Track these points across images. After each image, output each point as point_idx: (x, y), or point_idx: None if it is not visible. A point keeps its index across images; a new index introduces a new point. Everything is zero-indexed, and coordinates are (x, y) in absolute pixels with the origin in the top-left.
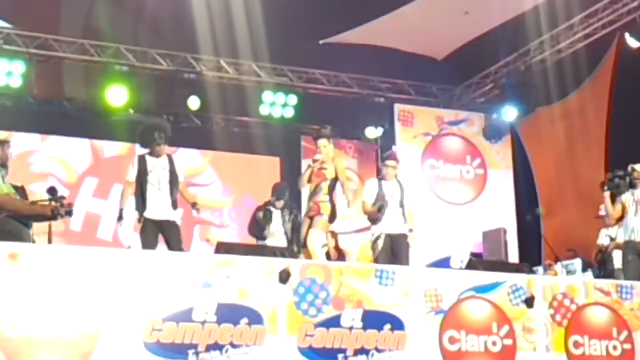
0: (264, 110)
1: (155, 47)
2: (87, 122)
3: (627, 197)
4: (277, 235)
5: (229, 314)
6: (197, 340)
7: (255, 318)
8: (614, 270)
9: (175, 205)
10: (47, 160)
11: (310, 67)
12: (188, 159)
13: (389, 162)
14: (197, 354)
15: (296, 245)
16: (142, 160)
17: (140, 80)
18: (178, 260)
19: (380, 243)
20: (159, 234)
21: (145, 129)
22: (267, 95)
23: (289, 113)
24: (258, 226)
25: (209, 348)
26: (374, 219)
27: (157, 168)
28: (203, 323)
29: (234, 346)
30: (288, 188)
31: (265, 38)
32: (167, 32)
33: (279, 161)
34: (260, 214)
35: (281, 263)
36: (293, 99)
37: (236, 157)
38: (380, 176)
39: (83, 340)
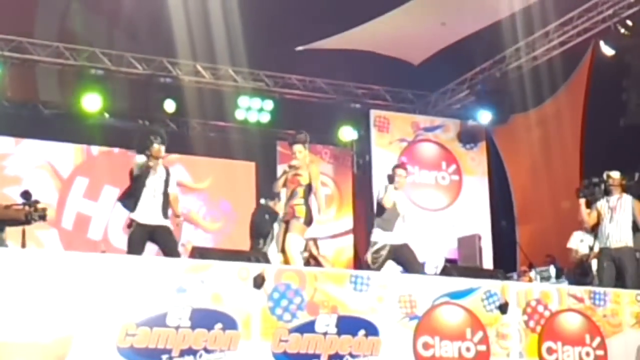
0: (239, 114)
1: (130, 51)
2: (62, 125)
3: (601, 204)
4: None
5: (203, 318)
6: (171, 345)
7: (229, 323)
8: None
9: (166, 215)
10: (21, 163)
11: (286, 72)
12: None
13: (400, 172)
14: (170, 358)
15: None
16: (143, 163)
17: (115, 84)
18: (152, 265)
19: (384, 253)
20: (148, 240)
21: (141, 134)
22: (243, 100)
23: (265, 118)
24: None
25: (182, 353)
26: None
27: (155, 175)
28: (177, 328)
29: (207, 351)
30: None
31: (242, 43)
32: (143, 36)
33: (254, 166)
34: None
35: (256, 268)
36: (269, 104)
37: (211, 162)
38: (393, 184)
39: (56, 344)
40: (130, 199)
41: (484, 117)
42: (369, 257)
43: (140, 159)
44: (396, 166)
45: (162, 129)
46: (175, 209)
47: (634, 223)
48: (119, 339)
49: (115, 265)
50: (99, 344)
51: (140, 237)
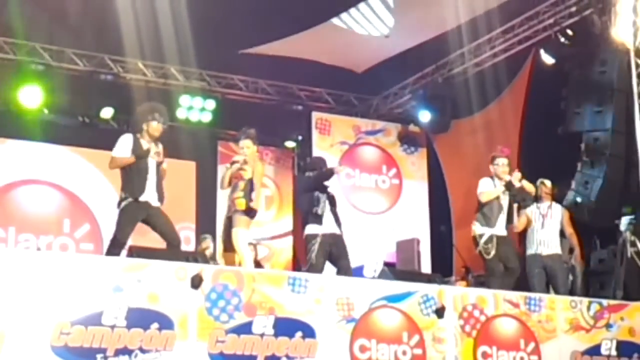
0: (181, 113)
1: (72, 47)
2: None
3: (532, 210)
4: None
5: (139, 318)
6: (106, 344)
7: (166, 323)
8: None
9: (161, 199)
10: None
11: (229, 72)
12: (104, 161)
13: (498, 160)
14: (105, 358)
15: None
16: (136, 141)
17: (55, 80)
18: (89, 263)
19: (492, 244)
20: (141, 220)
21: (142, 109)
22: (185, 99)
23: (207, 117)
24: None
25: (117, 352)
26: None
27: (152, 152)
28: (112, 327)
29: (143, 351)
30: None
31: (186, 42)
32: (87, 32)
33: (194, 165)
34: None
35: (193, 268)
36: (211, 104)
37: None
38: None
39: None
40: (128, 184)
41: (424, 116)
42: (481, 249)
43: (127, 139)
44: (494, 156)
45: (162, 106)
46: None
47: (561, 232)
48: (53, 338)
49: (50, 262)
50: (32, 342)
51: (134, 214)
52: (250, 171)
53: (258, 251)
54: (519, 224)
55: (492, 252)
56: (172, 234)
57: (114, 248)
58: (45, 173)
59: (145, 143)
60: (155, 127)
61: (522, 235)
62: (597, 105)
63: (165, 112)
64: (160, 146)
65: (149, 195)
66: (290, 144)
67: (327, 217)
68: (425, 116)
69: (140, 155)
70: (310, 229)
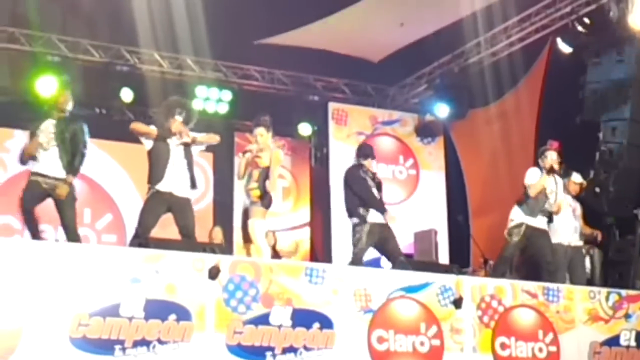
0: (197, 104)
1: (88, 38)
2: (15, 111)
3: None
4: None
5: (157, 309)
6: (124, 335)
7: (183, 314)
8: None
9: (193, 184)
10: None
11: (245, 63)
12: (121, 152)
13: (549, 154)
14: (123, 349)
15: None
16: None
17: (71, 71)
18: (106, 254)
19: (522, 230)
20: (165, 211)
21: (165, 104)
22: (201, 90)
23: (223, 108)
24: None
25: (135, 344)
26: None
27: (172, 147)
28: (130, 318)
29: (161, 342)
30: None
31: (202, 33)
32: (102, 23)
33: (211, 156)
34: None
35: (211, 259)
36: (227, 95)
37: None
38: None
39: (5, 335)
40: (150, 173)
41: (442, 110)
42: (507, 231)
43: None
44: (545, 149)
45: (189, 102)
46: None
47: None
48: (71, 329)
49: (68, 254)
50: (51, 334)
51: (154, 205)
52: (266, 158)
53: (277, 239)
54: (537, 186)
55: (515, 239)
56: (187, 229)
57: (135, 240)
58: None
59: (169, 139)
60: (176, 125)
61: None
62: (615, 94)
63: (189, 107)
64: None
65: (171, 184)
66: (305, 129)
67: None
68: (442, 109)
69: (161, 133)
70: (357, 219)
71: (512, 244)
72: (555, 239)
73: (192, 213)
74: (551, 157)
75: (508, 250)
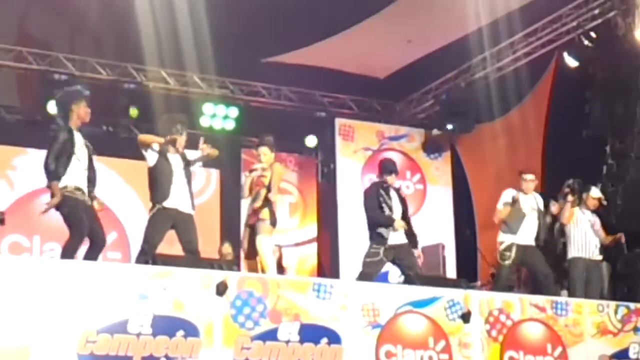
0: (204, 121)
1: (95, 56)
2: (22, 130)
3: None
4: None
5: (165, 325)
6: (132, 352)
7: (191, 330)
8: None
9: (192, 205)
10: None
11: (251, 80)
12: (128, 169)
13: (527, 176)
14: None
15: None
16: (162, 149)
17: None
18: (114, 271)
19: (512, 254)
20: (170, 227)
21: (166, 119)
22: (208, 107)
23: (230, 125)
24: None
25: None
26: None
27: (174, 164)
28: (138, 335)
29: (168, 358)
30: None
31: (208, 50)
32: (108, 41)
33: (218, 173)
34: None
35: (218, 275)
36: (234, 111)
37: None
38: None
39: (14, 352)
40: (153, 190)
41: (447, 126)
42: (498, 254)
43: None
44: (521, 171)
45: (186, 118)
46: None
47: None
48: (79, 346)
49: (75, 271)
50: (59, 350)
51: (160, 222)
52: (269, 176)
53: (283, 254)
54: (568, 214)
55: (509, 261)
56: (190, 244)
57: (142, 257)
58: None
59: (170, 155)
60: (181, 140)
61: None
62: (622, 108)
63: (185, 121)
64: (187, 152)
65: (176, 201)
66: (311, 140)
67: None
68: (448, 126)
69: (165, 145)
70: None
71: (506, 266)
72: (574, 253)
73: (195, 229)
74: (525, 178)
75: (503, 274)
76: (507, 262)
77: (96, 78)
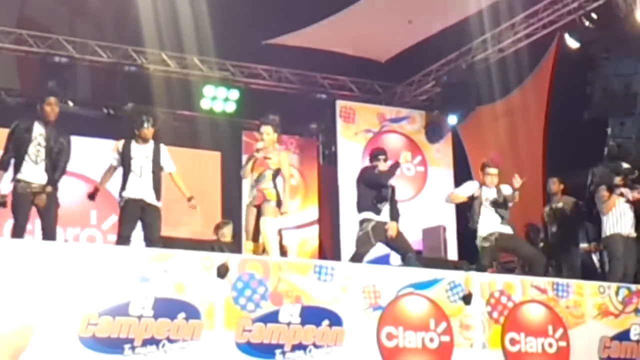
0: (205, 104)
1: (95, 39)
2: (23, 113)
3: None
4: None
5: (166, 308)
6: (133, 334)
7: (193, 312)
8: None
9: (158, 197)
10: None
11: (252, 62)
12: None
13: (490, 170)
14: (133, 348)
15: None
16: (126, 145)
17: (79, 71)
18: (115, 254)
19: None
20: (139, 217)
21: (131, 113)
22: (209, 89)
23: (230, 107)
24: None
25: (145, 342)
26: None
27: (140, 156)
28: (139, 317)
29: (170, 341)
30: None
31: (208, 33)
32: (109, 24)
33: (219, 155)
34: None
35: (219, 257)
36: (234, 94)
37: (176, 151)
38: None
39: (16, 334)
40: (122, 183)
41: (450, 118)
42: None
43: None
44: (484, 164)
45: (155, 111)
46: (182, 190)
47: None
48: (81, 329)
49: (77, 254)
50: (60, 333)
51: (133, 212)
52: (276, 161)
53: (283, 235)
54: (609, 202)
55: (486, 244)
56: (152, 235)
57: (121, 242)
58: (70, 164)
59: (136, 146)
60: (147, 130)
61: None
62: (622, 89)
63: (153, 113)
64: (154, 145)
65: (141, 193)
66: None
67: (385, 209)
68: (451, 119)
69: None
70: (367, 215)
71: (487, 251)
72: (614, 229)
73: (158, 219)
74: (493, 172)
75: (484, 259)
76: (486, 245)
77: (96, 60)
